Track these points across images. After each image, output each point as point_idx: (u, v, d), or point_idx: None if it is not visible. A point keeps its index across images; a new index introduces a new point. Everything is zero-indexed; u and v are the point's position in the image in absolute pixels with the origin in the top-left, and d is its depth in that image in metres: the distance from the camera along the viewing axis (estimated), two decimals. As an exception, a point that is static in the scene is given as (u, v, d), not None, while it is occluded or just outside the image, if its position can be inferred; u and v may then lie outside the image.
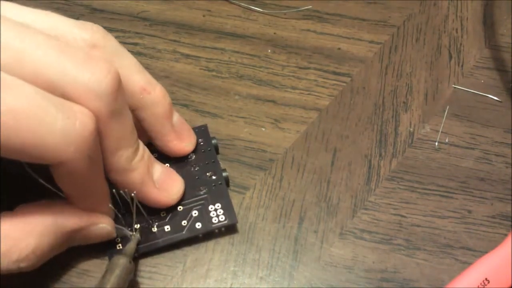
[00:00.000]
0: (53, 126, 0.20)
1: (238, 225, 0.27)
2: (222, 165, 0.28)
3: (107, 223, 0.24)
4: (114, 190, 0.25)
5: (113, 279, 0.23)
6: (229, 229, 0.27)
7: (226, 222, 0.26)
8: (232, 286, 0.25)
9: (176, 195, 0.26)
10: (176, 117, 0.27)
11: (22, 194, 0.23)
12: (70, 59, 0.21)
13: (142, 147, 0.25)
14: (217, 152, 0.29)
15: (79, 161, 0.21)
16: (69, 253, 0.25)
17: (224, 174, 0.27)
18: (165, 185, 0.26)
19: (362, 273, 0.26)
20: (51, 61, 0.21)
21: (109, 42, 0.24)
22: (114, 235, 0.25)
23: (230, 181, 0.28)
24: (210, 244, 0.26)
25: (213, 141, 0.29)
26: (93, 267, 0.25)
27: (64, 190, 0.23)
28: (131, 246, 0.25)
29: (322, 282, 0.25)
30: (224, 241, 0.26)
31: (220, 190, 0.27)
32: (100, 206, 0.24)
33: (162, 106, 0.26)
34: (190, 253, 0.26)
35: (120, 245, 0.25)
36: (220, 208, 0.26)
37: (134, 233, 0.25)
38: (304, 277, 0.25)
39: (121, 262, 0.23)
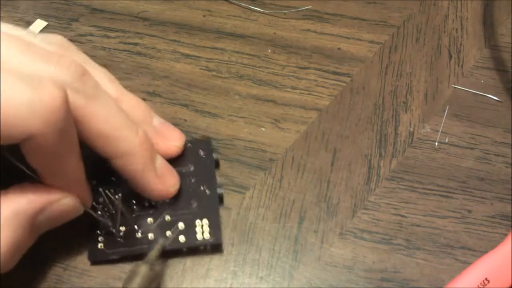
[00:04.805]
0: (20, 99, 0.20)
1: (238, 225, 0.27)
2: (219, 179, 0.28)
3: (70, 197, 0.23)
4: (100, 189, 0.25)
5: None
6: (214, 248, 0.26)
7: (210, 240, 0.25)
8: (232, 286, 0.25)
9: (173, 187, 0.26)
10: (156, 119, 0.27)
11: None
12: (32, 56, 0.22)
13: (143, 133, 0.24)
14: (217, 167, 0.28)
15: (48, 134, 0.21)
16: (69, 253, 0.26)
17: (219, 191, 0.27)
18: (163, 176, 0.25)
19: (362, 273, 0.26)
20: (14, 60, 0.21)
21: (77, 55, 0.24)
22: (81, 210, 0.24)
23: (230, 181, 0.28)
24: (210, 244, 0.26)
25: (214, 156, 0.28)
26: (93, 267, 0.25)
27: (36, 168, 0.22)
28: (153, 253, 0.24)
29: (322, 282, 0.25)
30: (224, 241, 0.26)
31: (211, 207, 0.26)
32: (74, 187, 0.23)
33: (139, 111, 0.26)
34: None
35: (102, 244, 0.25)
36: (207, 226, 0.25)
37: (159, 241, 0.25)
38: (304, 277, 0.25)
39: (142, 270, 0.23)
